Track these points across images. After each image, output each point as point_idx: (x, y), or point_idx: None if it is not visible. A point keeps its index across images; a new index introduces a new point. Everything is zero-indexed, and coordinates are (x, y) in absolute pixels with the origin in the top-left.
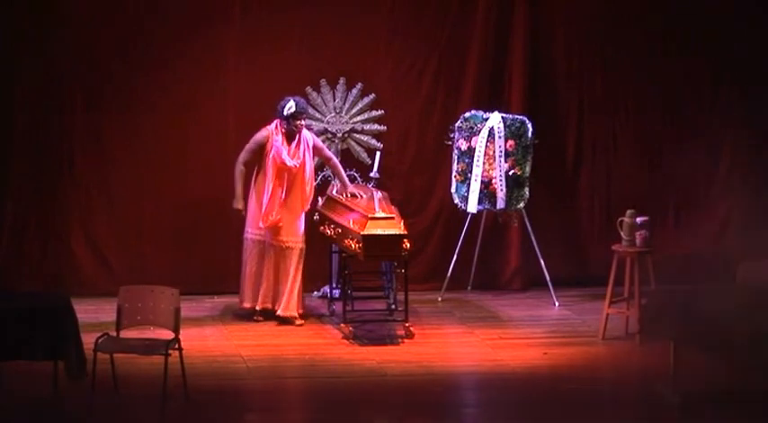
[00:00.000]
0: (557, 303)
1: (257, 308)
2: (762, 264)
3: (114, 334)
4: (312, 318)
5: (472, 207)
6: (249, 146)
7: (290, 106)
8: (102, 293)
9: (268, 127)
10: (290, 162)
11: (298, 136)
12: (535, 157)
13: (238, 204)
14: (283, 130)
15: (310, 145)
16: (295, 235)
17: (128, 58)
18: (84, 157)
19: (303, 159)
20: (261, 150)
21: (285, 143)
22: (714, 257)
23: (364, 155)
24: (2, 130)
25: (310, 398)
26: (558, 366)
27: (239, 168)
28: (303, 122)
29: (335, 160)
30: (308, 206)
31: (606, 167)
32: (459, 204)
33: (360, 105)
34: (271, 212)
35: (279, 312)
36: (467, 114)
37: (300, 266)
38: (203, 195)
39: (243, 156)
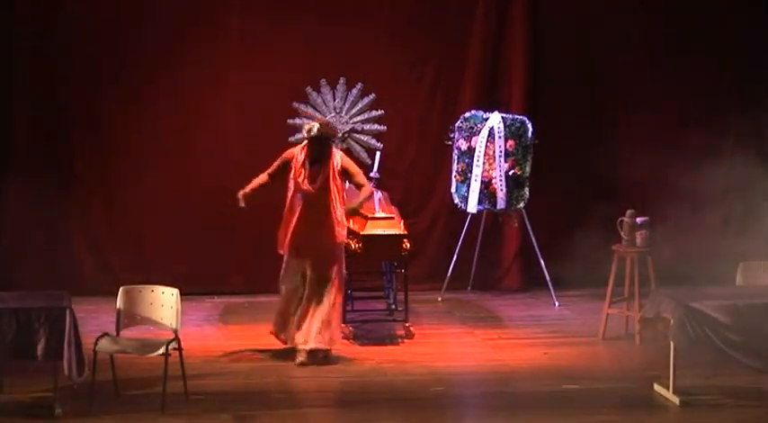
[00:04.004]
0: (557, 303)
1: (282, 338)
2: (762, 264)
3: (114, 334)
4: None
5: (472, 207)
6: (278, 160)
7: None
8: (103, 293)
9: (299, 146)
10: (304, 185)
11: (326, 159)
12: (535, 157)
13: (241, 196)
14: (308, 151)
15: (337, 169)
16: (322, 264)
17: (128, 58)
18: (84, 157)
19: (322, 184)
20: (285, 167)
21: (308, 164)
22: (714, 257)
23: (364, 155)
24: (1, 130)
25: (311, 397)
26: (558, 366)
27: (262, 175)
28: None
29: (369, 187)
30: (338, 233)
31: (606, 167)
32: (459, 204)
33: (360, 105)
34: (292, 236)
35: (299, 344)
36: (467, 114)
37: (328, 298)
38: (203, 195)
39: (271, 167)
